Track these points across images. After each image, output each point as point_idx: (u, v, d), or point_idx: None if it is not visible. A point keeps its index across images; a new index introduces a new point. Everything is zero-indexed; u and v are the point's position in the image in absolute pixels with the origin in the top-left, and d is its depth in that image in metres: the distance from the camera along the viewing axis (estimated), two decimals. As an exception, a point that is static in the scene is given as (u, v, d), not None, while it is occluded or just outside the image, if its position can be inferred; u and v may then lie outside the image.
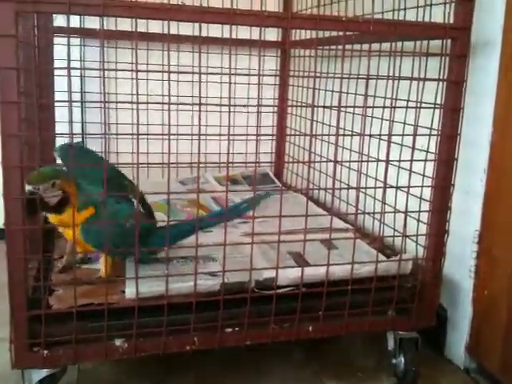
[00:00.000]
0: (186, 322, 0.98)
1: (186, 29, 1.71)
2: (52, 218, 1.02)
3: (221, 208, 1.53)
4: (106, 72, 1.89)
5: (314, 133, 0.96)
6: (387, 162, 1.02)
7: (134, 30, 0.84)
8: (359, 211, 1.33)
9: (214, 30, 1.65)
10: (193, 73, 0.91)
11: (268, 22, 0.89)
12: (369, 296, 1.07)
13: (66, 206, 0.99)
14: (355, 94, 1.23)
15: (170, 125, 0.88)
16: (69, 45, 0.89)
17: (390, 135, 1.01)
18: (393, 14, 1.19)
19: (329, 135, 1.40)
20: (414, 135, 1.05)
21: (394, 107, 1.03)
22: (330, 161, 1.03)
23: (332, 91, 1.33)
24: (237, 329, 1.03)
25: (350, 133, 1.25)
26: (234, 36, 0.89)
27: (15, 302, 0.89)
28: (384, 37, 1.07)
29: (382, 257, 1.20)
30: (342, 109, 1.02)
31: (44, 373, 0.96)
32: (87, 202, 1.02)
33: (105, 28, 1.79)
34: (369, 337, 1.39)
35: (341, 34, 0.95)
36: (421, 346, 1.18)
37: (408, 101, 1.09)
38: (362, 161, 1.06)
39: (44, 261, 1.12)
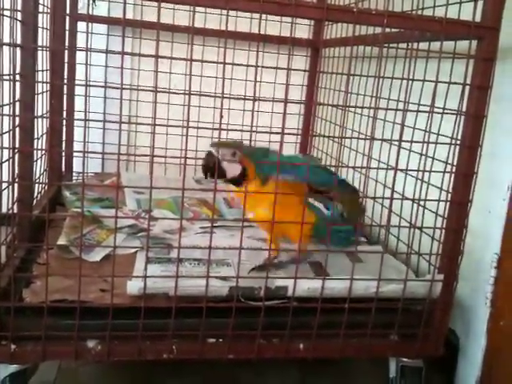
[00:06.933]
0: (165, 328, 0.91)
1: (214, 23, 1.69)
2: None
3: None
4: (129, 64, 1.87)
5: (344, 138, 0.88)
6: (395, 170, 0.94)
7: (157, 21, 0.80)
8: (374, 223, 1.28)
9: (242, 25, 1.61)
10: (217, 62, 0.86)
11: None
12: (369, 316, 0.98)
13: (243, 180, 1.02)
14: (388, 98, 1.14)
15: (189, 120, 0.83)
16: (88, 32, 0.86)
17: (400, 141, 0.93)
18: (422, 12, 1.09)
19: (359, 138, 1.31)
20: (426, 142, 0.99)
21: (416, 111, 0.98)
22: (363, 167, 0.96)
23: (364, 95, 1.26)
24: (220, 340, 0.96)
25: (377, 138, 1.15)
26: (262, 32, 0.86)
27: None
28: (423, 36, 0.98)
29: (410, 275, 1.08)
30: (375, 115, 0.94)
31: (12, 368, 0.91)
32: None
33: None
34: (374, 360, 1.28)
35: (378, 31, 0.88)
36: (430, 376, 1.09)
37: (432, 106, 0.97)
38: (370, 167, 0.97)
39: (27, 250, 1.08)
